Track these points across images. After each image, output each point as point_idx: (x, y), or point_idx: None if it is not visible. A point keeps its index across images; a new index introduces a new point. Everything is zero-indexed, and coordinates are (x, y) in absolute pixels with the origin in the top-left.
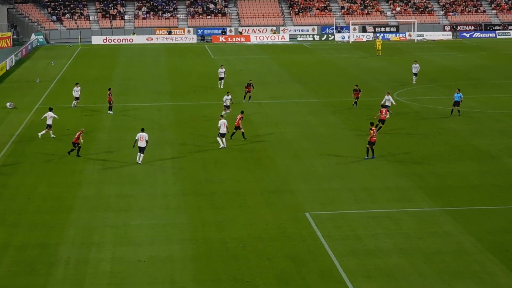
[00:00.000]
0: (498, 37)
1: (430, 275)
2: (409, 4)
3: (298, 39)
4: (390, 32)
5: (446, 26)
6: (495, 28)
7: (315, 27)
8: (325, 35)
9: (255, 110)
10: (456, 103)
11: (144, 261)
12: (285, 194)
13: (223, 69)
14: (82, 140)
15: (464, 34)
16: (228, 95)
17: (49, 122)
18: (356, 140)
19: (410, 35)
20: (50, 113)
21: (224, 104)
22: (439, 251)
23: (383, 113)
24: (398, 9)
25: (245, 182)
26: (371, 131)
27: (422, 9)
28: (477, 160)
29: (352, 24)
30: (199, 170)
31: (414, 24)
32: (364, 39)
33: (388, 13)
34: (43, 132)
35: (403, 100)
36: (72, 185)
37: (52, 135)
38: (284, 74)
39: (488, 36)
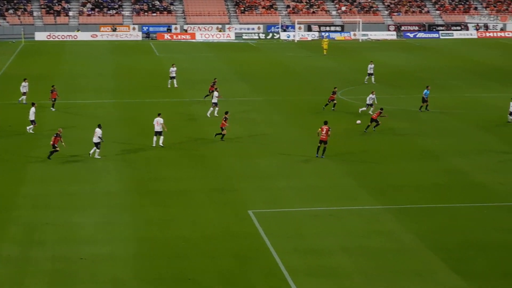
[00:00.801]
0: (441, 37)
1: (372, 273)
2: (354, 3)
3: (244, 37)
4: (335, 31)
5: (390, 26)
6: (439, 28)
7: (261, 26)
8: (271, 34)
9: (198, 108)
10: (424, 100)
11: (86, 259)
12: (229, 192)
13: (175, 68)
14: (63, 143)
15: (408, 34)
16: (216, 91)
17: (32, 117)
18: (300, 139)
19: (355, 35)
20: (32, 109)
21: (213, 101)
22: (382, 250)
23: (375, 113)
24: (343, 8)
25: (189, 180)
26: (320, 129)
27: (367, 9)
28: (420, 160)
29: (297, 23)
30: (142, 168)
31: (359, 23)
32: (310, 38)
33: (334, 13)
34: (31, 126)
35: (348, 99)
36: (13, 183)
37: (31, 131)
38: (230, 72)
39: (431, 36)
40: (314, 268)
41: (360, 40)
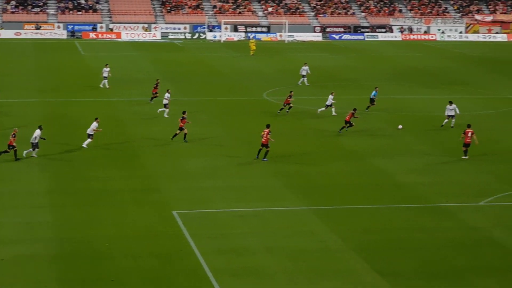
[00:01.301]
0: (366, 39)
1: (295, 274)
2: (281, 4)
3: (170, 37)
4: (262, 32)
5: (316, 28)
6: (364, 30)
7: (187, 26)
8: (197, 34)
9: (124, 108)
10: (372, 100)
11: (7, 260)
12: (153, 192)
13: (108, 68)
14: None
15: (334, 35)
16: (168, 92)
17: None
18: (226, 139)
19: (281, 36)
20: None
21: (163, 102)
22: (305, 250)
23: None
24: (269, 9)
25: (113, 180)
26: (263, 132)
27: (293, 10)
28: (343, 160)
29: (224, 23)
30: (66, 168)
31: (285, 24)
32: (236, 39)
33: (260, 13)
34: None
35: (273, 100)
36: None
37: None
38: (156, 72)
39: (357, 38)
40: (238, 268)
41: (286, 41)
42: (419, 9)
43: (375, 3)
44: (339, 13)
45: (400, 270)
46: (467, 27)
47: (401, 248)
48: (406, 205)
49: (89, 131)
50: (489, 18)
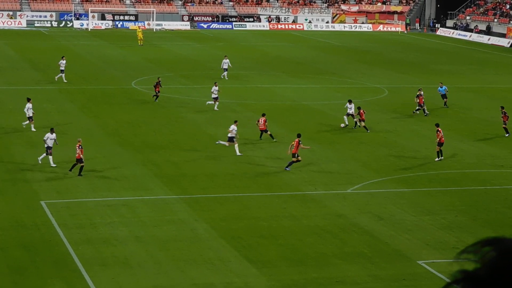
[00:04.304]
0: (234, 28)
1: (165, 262)
2: None
3: (36, 25)
4: (129, 20)
5: (184, 16)
6: (232, 19)
7: (53, 13)
8: (64, 22)
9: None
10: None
11: None
12: (20, 182)
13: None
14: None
15: (202, 24)
16: (216, 86)
17: None
18: (92, 128)
19: (149, 24)
20: None
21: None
22: (174, 239)
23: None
24: None
25: None
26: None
27: None
28: (211, 149)
29: (91, 12)
30: None
31: (153, 13)
32: (103, 27)
33: (128, 2)
34: None
35: (141, 89)
36: None
37: None
38: (20, 60)
39: (225, 27)
40: (107, 258)
41: (155, 30)
42: None
43: None
44: (207, 2)
45: (269, 257)
46: (333, 17)
47: (270, 236)
48: (275, 193)
49: (229, 135)
50: (355, 8)
